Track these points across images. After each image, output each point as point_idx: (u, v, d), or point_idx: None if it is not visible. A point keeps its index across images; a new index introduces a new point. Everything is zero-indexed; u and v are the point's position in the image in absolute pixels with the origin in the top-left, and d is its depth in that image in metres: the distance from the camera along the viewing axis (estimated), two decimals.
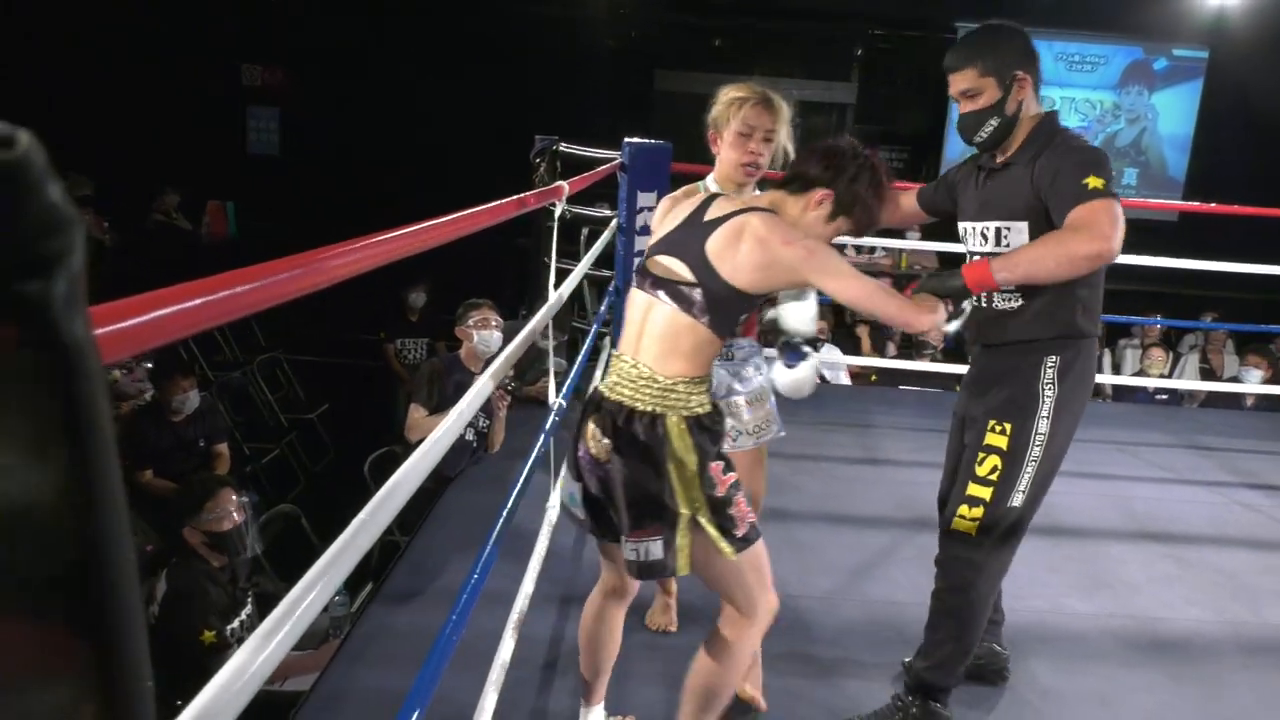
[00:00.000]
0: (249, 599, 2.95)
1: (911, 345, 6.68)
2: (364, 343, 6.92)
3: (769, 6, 9.14)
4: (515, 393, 3.76)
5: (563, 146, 4.78)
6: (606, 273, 4.84)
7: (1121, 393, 6.25)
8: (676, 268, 1.69)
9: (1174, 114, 9.18)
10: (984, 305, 2.04)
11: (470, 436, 3.60)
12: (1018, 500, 2.00)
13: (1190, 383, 6.10)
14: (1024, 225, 1.94)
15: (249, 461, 5.21)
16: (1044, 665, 2.50)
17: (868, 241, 8.61)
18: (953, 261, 9.27)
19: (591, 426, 1.72)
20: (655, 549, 1.67)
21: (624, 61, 9.24)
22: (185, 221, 8.79)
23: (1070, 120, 9.27)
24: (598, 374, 1.71)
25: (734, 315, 1.70)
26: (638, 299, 1.75)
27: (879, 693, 2.31)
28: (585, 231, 5.37)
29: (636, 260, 3.79)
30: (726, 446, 2.31)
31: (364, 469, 4.01)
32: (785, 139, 2.14)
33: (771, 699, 2.26)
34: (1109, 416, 5.14)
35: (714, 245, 1.66)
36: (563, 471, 1.91)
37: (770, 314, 2.05)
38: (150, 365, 4.78)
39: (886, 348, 6.68)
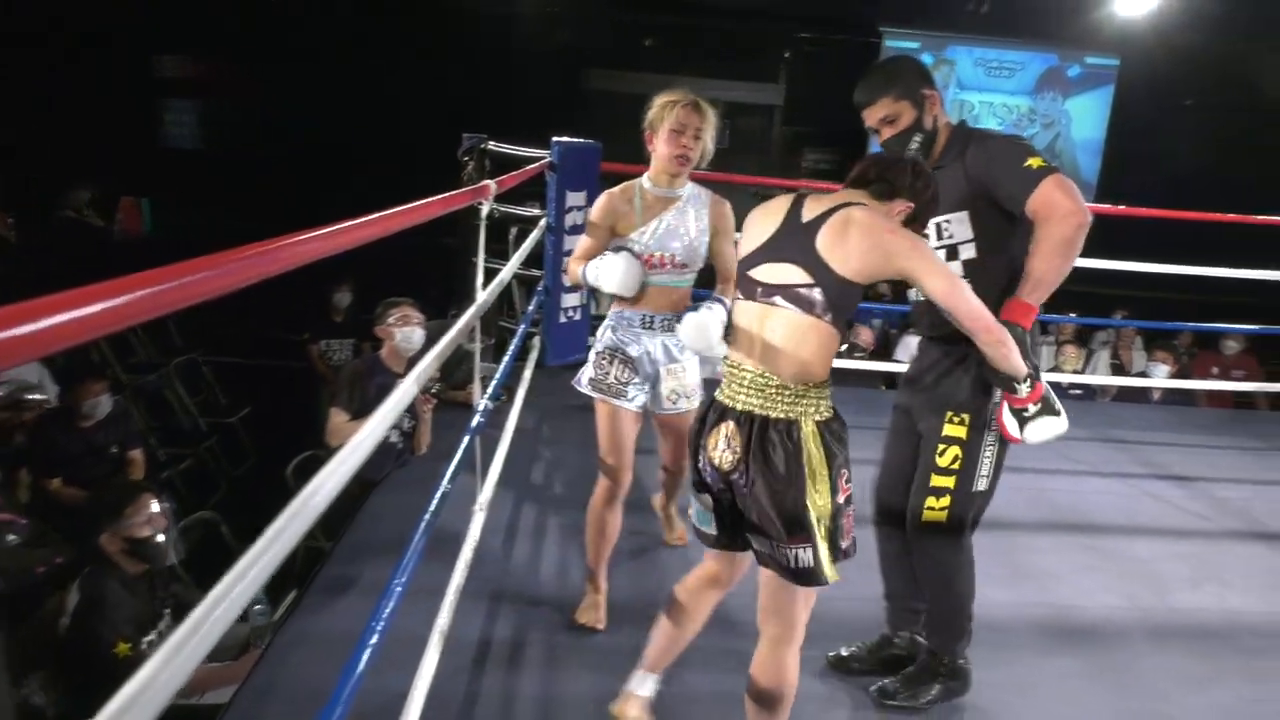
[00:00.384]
0: (166, 610, 2.85)
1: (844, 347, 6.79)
2: (288, 343, 6.75)
3: (698, 7, 9.20)
4: (440, 395, 3.71)
5: (491, 145, 4.73)
6: (536, 272, 4.81)
7: None
8: (790, 272, 1.73)
9: (1087, 119, 9.51)
10: (922, 298, 2.11)
11: (395, 439, 3.54)
12: (982, 485, 2.13)
13: (1102, 378, 6.33)
14: (964, 214, 2.08)
15: (165, 467, 5.04)
16: (981, 657, 2.55)
17: None
18: None
19: (716, 437, 1.76)
20: (806, 556, 1.71)
21: (555, 60, 9.20)
22: (97, 218, 8.45)
23: (988, 124, 9.53)
24: (721, 389, 1.71)
25: (850, 307, 1.74)
26: (749, 310, 1.78)
27: (811, 689, 2.33)
28: (514, 231, 5.32)
29: (564, 256, 3.77)
30: (665, 409, 2.57)
31: (286, 473, 3.91)
32: (710, 140, 2.41)
33: (703, 700, 2.28)
34: None
35: (823, 242, 1.70)
36: (690, 489, 1.93)
37: (592, 279, 2.37)
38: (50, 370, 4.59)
39: None
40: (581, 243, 2.53)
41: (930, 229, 2.13)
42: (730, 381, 1.79)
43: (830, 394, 1.76)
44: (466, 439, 2.25)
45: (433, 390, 3.65)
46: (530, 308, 4.19)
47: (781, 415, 1.70)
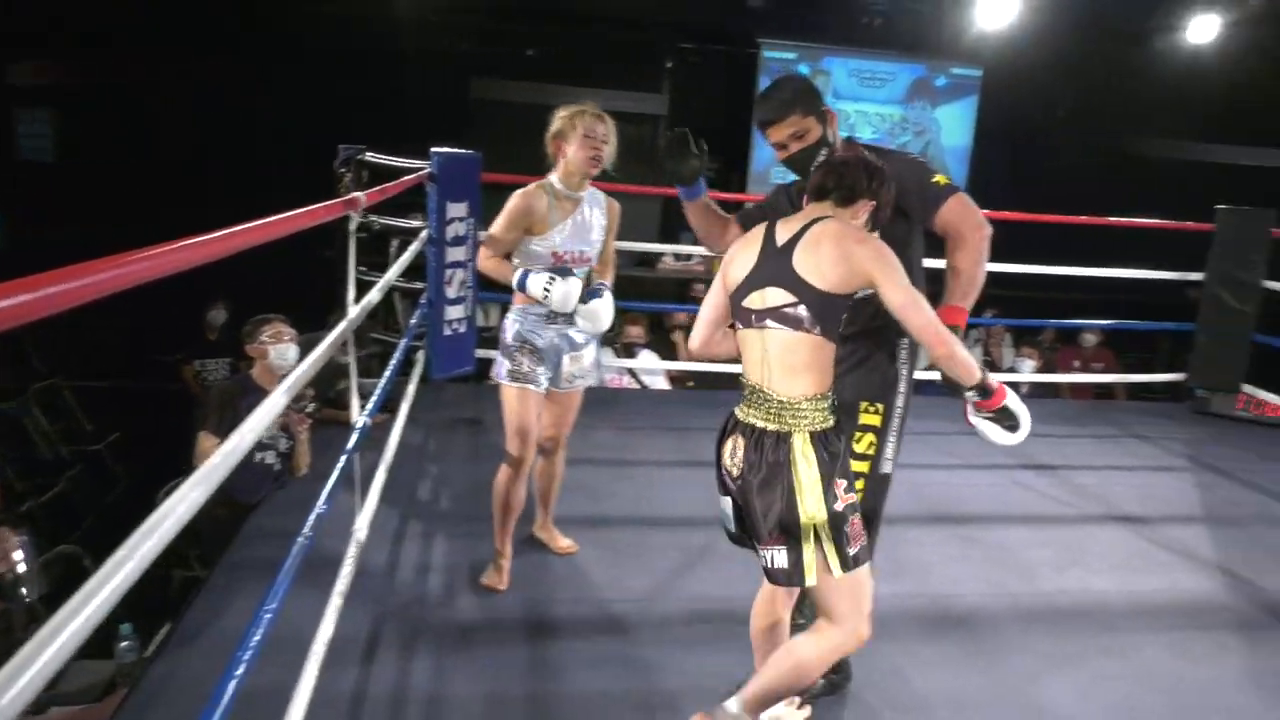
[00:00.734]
0: None
1: None
2: (161, 365, 6.46)
3: (581, 18, 9.21)
4: (315, 415, 3.60)
5: (369, 156, 4.64)
6: (420, 284, 4.73)
7: (916, 384, 6.68)
8: (775, 295, 1.85)
9: (954, 127, 9.94)
10: None
11: (271, 460, 3.42)
12: (888, 467, 2.31)
13: None
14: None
15: (23, 499, 4.74)
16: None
17: (686, 249, 8.85)
18: None
19: (728, 446, 1.92)
20: (781, 558, 1.84)
21: (438, 70, 9.06)
22: None
23: (863, 133, 9.85)
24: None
25: (838, 316, 1.85)
26: (749, 338, 1.91)
27: (694, 690, 2.36)
28: (395, 243, 5.22)
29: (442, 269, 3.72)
30: (564, 387, 2.83)
31: (157, 500, 3.73)
32: (614, 145, 2.71)
33: (588, 704, 2.28)
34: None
35: (799, 260, 1.83)
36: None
37: (541, 297, 2.64)
38: None
39: None
40: (493, 240, 2.73)
41: None
42: (743, 398, 1.93)
43: (828, 407, 1.86)
44: (344, 458, 2.20)
45: (308, 409, 3.54)
46: (413, 321, 4.11)
47: (774, 427, 1.83)
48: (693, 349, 2.15)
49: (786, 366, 1.84)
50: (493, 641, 2.53)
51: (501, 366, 2.80)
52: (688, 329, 6.86)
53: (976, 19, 8.34)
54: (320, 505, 1.87)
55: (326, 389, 4.08)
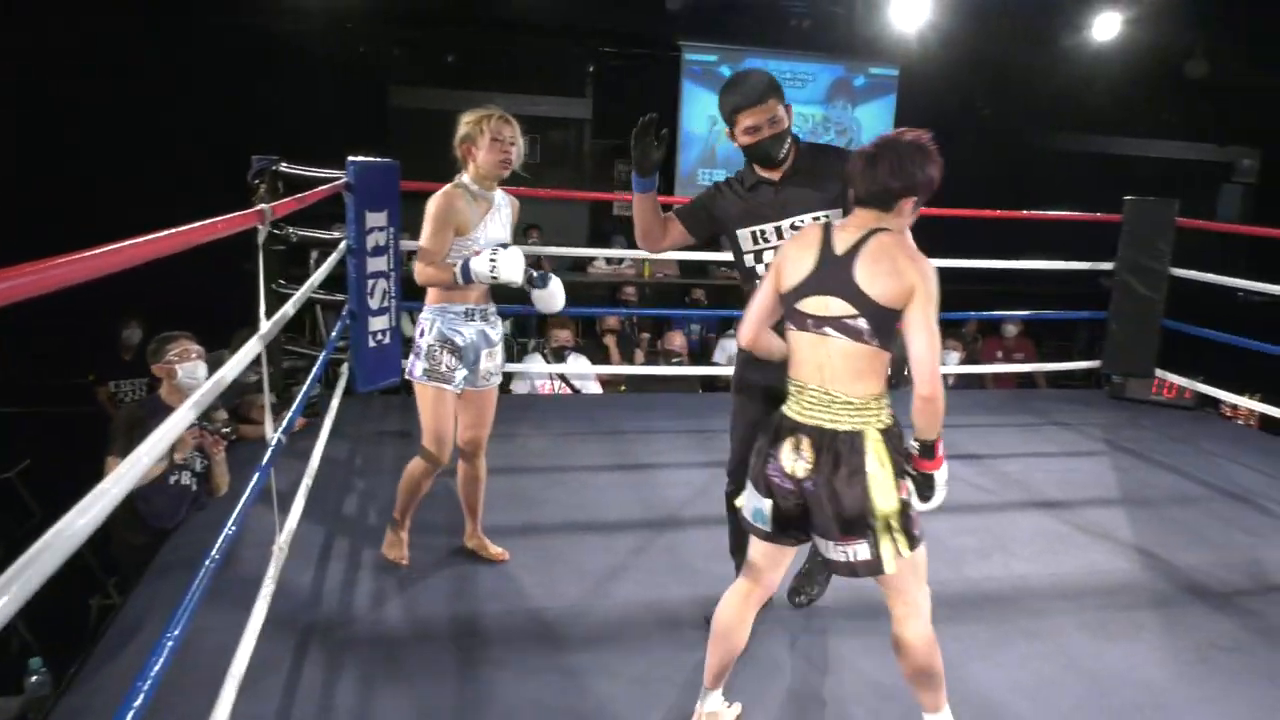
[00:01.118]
0: None
1: (658, 352, 6.92)
2: (73, 387, 6.22)
3: (500, 24, 9.16)
4: (231, 435, 3.49)
5: (284, 166, 4.53)
6: (342, 296, 4.64)
7: None
8: (836, 305, 1.90)
9: (874, 126, 10.13)
10: None
11: (188, 481, 3.31)
12: None
13: None
14: (839, 211, 2.39)
15: None
16: (779, 642, 2.65)
17: (616, 253, 8.86)
18: (692, 269, 9.55)
19: (787, 449, 1.95)
20: (863, 551, 1.92)
21: (355, 78, 8.93)
22: None
23: None
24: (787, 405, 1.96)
25: (893, 329, 1.89)
26: (804, 339, 1.96)
27: (625, 694, 2.35)
28: (315, 254, 5.12)
29: (366, 280, 3.65)
30: (480, 385, 2.87)
31: None
32: (522, 147, 2.80)
33: (518, 714, 2.25)
34: None
35: (860, 273, 1.88)
36: (747, 489, 2.09)
37: (489, 274, 2.68)
38: None
39: (635, 355, 6.87)
40: (426, 252, 2.71)
41: (807, 220, 2.40)
42: (797, 399, 1.97)
43: (889, 403, 1.94)
44: (256, 476, 2.14)
45: (223, 430, 3.42)
46: (333, 334, 4.03)
47: (847, 427, 1.90)
48: (743, 343, 2.18)
49: (850, 371, 1.91)
50: (421, 655, 2.49)
51: (417, 365, 2.81)
52: (619, 333, 6.88)
53: (892, 20, 8.51)
54: (229, 527, 1.81)
55: (237, 405, 3.96)
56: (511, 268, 2.68)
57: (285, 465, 3.27)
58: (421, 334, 2.82)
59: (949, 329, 7.28)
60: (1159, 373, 5.57)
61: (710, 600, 2.87)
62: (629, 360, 6.67)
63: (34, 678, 2.62)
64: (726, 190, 2.54)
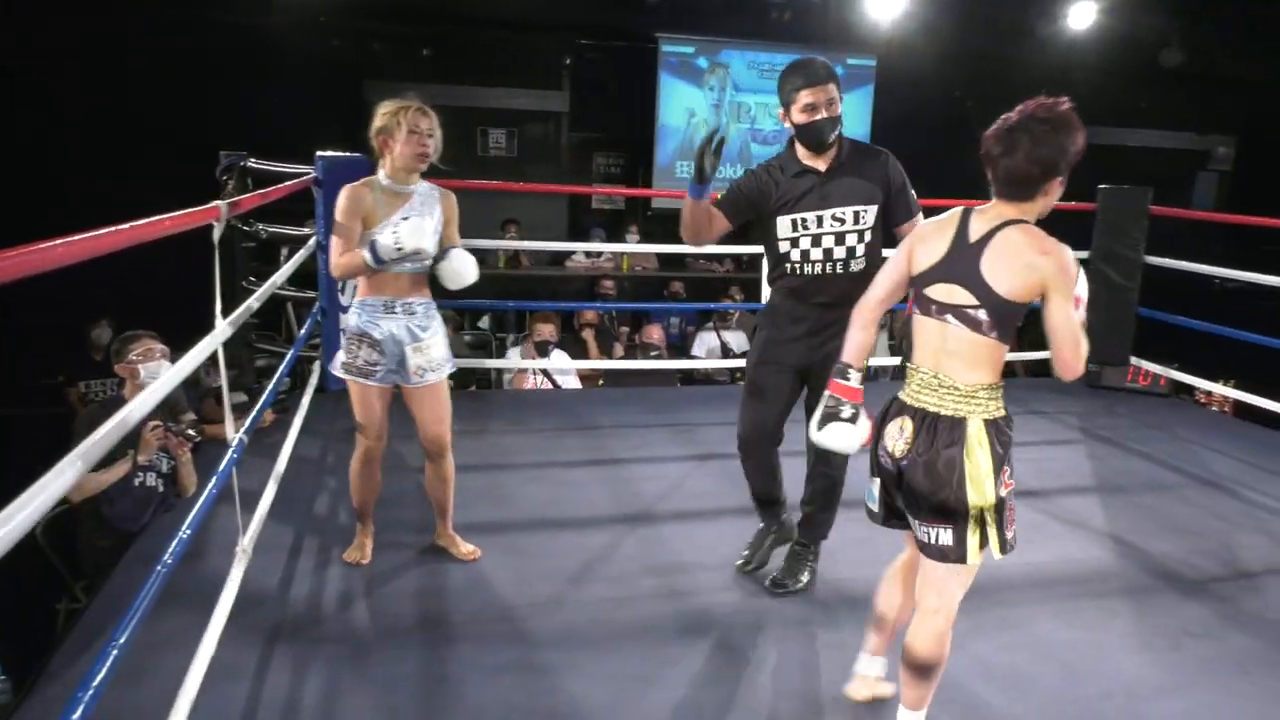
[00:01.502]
0: None
1: (636, 347, 6.89)
2: (43, 388, 6.14)
3: (476, 17, 9.08)
4: (197, 436, 3.44)
5: (253, 162, 4.48)
6: (311, 293, 4.60)
7: None
8: (959, 294, 1.90)
9: (853, 116, 10.12)
10: (841, 271, 2.67)
11: (153, 482, 3.27)
12: None
13: (882, 359, 6.74)
14: (876, 209, 2.66)
15: None
16: (742, 634, 2.64)
17: (595, 246, 8.83)
18: (671, 262, 9.52)
19: (892, 428, 1.98)
20: (946, 536, 1.92)
21: (328, 73, 8.82)
22: None
23: (766, 124, 9.97)
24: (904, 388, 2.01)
25: (1014, 322, 1.90)
26: (926, 324, 1.97)
27: (596, 694, 2.33)
28: (285, 250, 5.07)
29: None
30: (414, 381, 2.79)
31: (35, 532, 3.54)
32: (440, 138, 2.72)
33: (486, 714, 2.23)
34: None
35: (987, 265, 1.87)
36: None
37: (395, 245, 2.57)
38: None
39: (613, 349, 6.84)
40: (336, 243, 2.68)
41: (848, 213, 2.64)
42: (910, 381, 2.00)
43: (1001, 395, 1.94)
44: (215, 479, 2.10)
45: (188, 431, 3.37)
46: (303, 331, 3.99)
47: (950, 412, 1.90)
48: (862, 310, 2.16)
49: (965, 359, 1.91)
50: (389, 655, 2.46)
51: (338, 358, 2.79)
52: (597, 326, 6.84)
53: (868, 10, 8.50)
54: (184, 531, 1.78)
55: (199, 404, 3.91)
56: (415, 234, 2.58)
57: (254, 464, 3.24)
58: (347, 324, 2.80)
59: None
60: (1135, 360, 5.59)
61: (684, 594, 2.87)
62: (607, 354, 6.64)
63: None
64: (765, 175, 2.69)
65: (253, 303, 2.70)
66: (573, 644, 2.58)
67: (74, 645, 2.47)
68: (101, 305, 5.96)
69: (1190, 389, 5.57)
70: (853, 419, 2.06)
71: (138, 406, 1.52)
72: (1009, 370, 7.19)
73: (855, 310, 2.16)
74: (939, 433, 1.90)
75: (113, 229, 1.53)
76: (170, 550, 1.70)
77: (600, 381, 6.21)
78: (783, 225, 2.68)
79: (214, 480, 2.09)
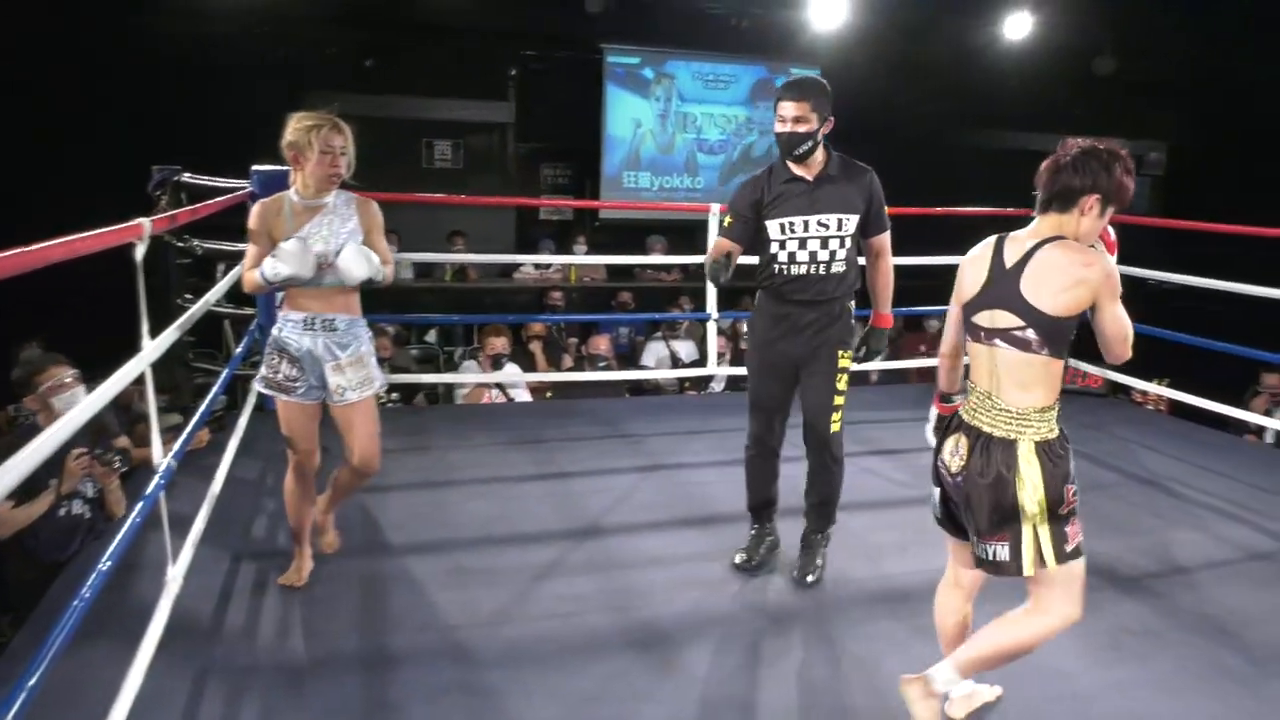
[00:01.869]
0: None
1: (584, 358, 6.86)
2: None
3: (420, 26, 8.98)
4: (124, 466, 3.33)
5: (186, 177, 4.39)
6: (249, 310, 4.51)
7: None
8: (1004, 318, 1.99)
9: None
10: (823, 273, 2.91)
11: (80, 509, 3.16)
12: (845, 396, 3.02)
13: None
14: (857, 218, 2.92)
15: None
16: (691, 646, 2.62)
17: (543, 259, 8.78)
18: (619, 273, 9.48)
19: (949, 444, 2.09)
20: (1002, 551, 2.00)
21: (267, 83, 8.65)
22: None
23: (711, 134, 10.02)
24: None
25: (1066, 337, 1.97)
26: (978, 351, 2.07)
27: (546, 711, 2.30)
28: (221, 267, 4.96)
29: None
30: (335, 400, 2.73)
31: None
32: (353, 154, 2.67)
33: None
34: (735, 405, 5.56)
35: (1027, 287, 1.95)
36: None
37: (272, 271, 2.54)
38: None
39: (562, 361, 6.80)
40: (249, 254, 2.68)
41: (832, 220, 2.88)
42: (968, 398, 2.10)
43: (1055, 416, 2.00)
44: (140, 505, 2.03)
45: (113, 457, 3.26)
46: (240, 349, 3.90)
47: (1002, 434, 1.99)
48: (944, 352, 2.30)
49: (1016, 381, 1.98)
50: (327, 681, 2.40)
51: (260, 373, 2.75)
52: (545, 338, 6.80)
53: (811, 20, 8.58)
54: (104, 562, 1.71)
55: (131, 428, 3.78)
56: (294, 257, 2.52)
57: (187, 487, 3.16)
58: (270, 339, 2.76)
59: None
60: (1072, 361, 5.70)
61: (632, 608, 2.85)
62: (556, 366, 6.60)
63: None
64: (755, 184, 2.97)
65: (185, 320, 2.62)
66: (519, 662, 2.54)
67: None
68: (31, 325, 5.77)
69: (1127, 389, 5.69)
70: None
71: (49, 438, 1.45)
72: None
73: (939, 362, 2.33)
74: (991, 453, 1.99)
75: (21, 250, 1.47)
76: (89, 583, 1.63)
77: (549, 394, 6.17)
78: (772, 228, 2.92)
79: (139, 507, 2.02)
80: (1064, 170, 1.98)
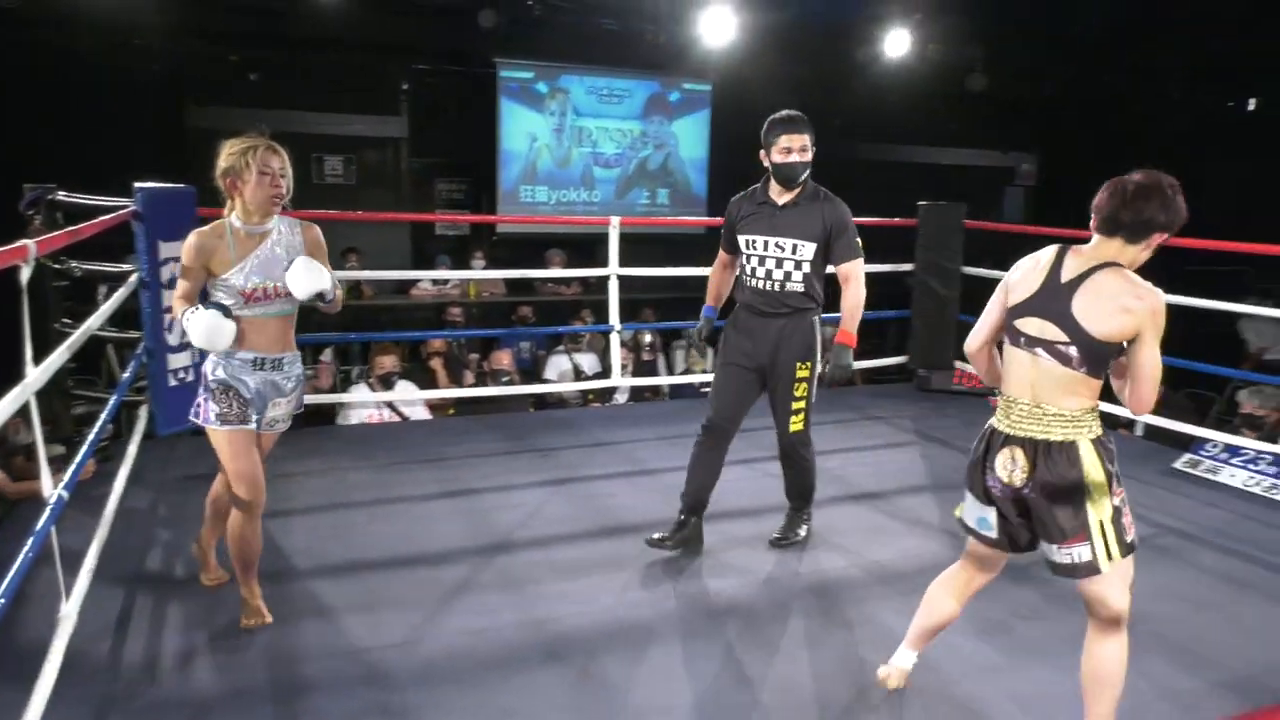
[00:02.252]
0: None
1: (486, 374, 6.82)
2: None
3: (307, 39, 8.77)
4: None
5: (61, 195, 4.19)
6: (135, 333, 4.33)
7: (675, 390, 6.95)
8: (1050, 330, 2.04)
9: (691, 139, 10.40)
10: (778, 290, 3.22)
11: None
12: (812, 400, 3.32)
13: None
14: (815, 246, 3.19)
15: None
16: (607, 657, 2.65)
17: (442, 274, 8.68)
18: (519, 287, 9.42)
19: (1002, 460, 2.10)
20: (1084, 552, 2.06)
21: (146, 98, 8.32)
22: None
23: (606, 148, 10.10)
24: (995, 418, 2.16)
25: (1106, 361, 2.03)
26: (1018, 355, 2.11)
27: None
28: (104, 289, 4.75)
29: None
30: (263, 430, 2.71)
31: None
32: (291, 175, 2.62)
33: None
34: (667, 414, 5.64)
35: (1079, 305, 1.99)
36: (968, 500, 2.25)
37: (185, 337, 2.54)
38: None
39: (463, 377, 6.74)
40: (180, 286, 2.60)
41: (787, 244, 3.18)
42: (1008, 412, 2.12)
43: (1099, 414, 2.06)
44: (30, 541, 1.94)
45: None
46: (127, 374, 3.74)
47: (1060, 438, 2.03)
48: (969, 351, 2.33)
49: (1059, 388, 2.04)
50: (237, 715, 2.33)
51: (209, 410, 2.60)
52: (445, 355, 6.73)
53: (702, 36, 8.76)
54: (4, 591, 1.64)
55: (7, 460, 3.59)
56: (204, 335, 2.46)
57: (76, 520, 3.02)
58: (208, 374, 2.64)
59: None
60: (958, 364, 5.98)
61: (547, 621, 2.86)
62: (457, 383, 6.54)
63: None
64: (737, 202, 3.34)
65: (70, 345, 2.51)
66: (433, 681, 2.52)
67: None
68: None
69: None
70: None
71: None
72: (848, 380, 7.40)
73: (974, 361, 2.34)
74: (1054, 458, 2.03)
75: None
76: None
77: (451, 410, 6.11)
78: (741, 242, 3.29)
79: (30, 543, 1.93)
80: (1150, 205, 1.99)
